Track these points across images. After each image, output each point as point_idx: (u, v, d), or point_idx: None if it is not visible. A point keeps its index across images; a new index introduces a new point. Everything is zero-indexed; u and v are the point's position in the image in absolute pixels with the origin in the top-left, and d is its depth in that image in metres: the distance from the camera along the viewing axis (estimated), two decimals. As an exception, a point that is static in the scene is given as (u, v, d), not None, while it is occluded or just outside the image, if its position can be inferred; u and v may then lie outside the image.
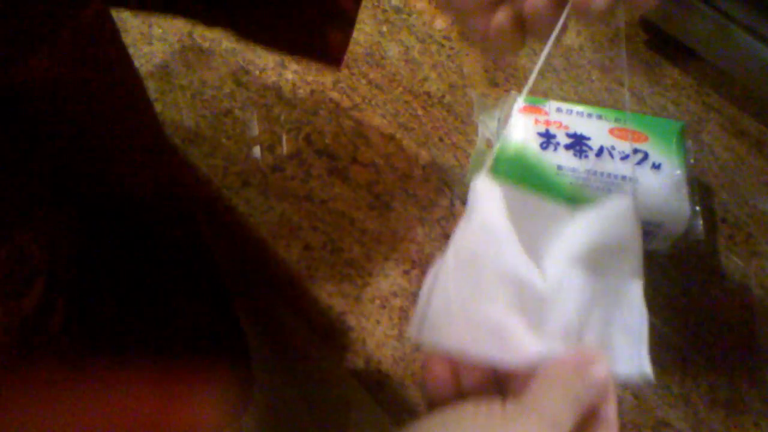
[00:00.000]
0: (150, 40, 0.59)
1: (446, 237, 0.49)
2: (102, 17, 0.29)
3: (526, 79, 0.59)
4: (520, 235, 0.32)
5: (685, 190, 0.46)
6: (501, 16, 0.34)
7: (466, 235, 0.32)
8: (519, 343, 0.30)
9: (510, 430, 0.26)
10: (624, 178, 0.46)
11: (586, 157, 0.46)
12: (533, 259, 0.32)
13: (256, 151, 0.53)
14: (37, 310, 0.26)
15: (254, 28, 0.44)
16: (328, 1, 0.41)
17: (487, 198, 0.32)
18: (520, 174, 0.46)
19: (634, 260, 0.32)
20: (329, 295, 0.47)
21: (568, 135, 0.47)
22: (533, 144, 0.47)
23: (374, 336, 0.46)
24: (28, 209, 0.26)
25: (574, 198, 0.45)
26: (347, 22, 0.42)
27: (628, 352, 0.31)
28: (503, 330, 0.30)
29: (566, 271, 0.32)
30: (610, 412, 0.28)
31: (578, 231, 0.33)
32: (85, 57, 0.27)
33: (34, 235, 0.26)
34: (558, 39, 0.33)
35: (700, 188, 0.50)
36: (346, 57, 0.58)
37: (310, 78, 0.58)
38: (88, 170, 0.30)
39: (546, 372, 0.28)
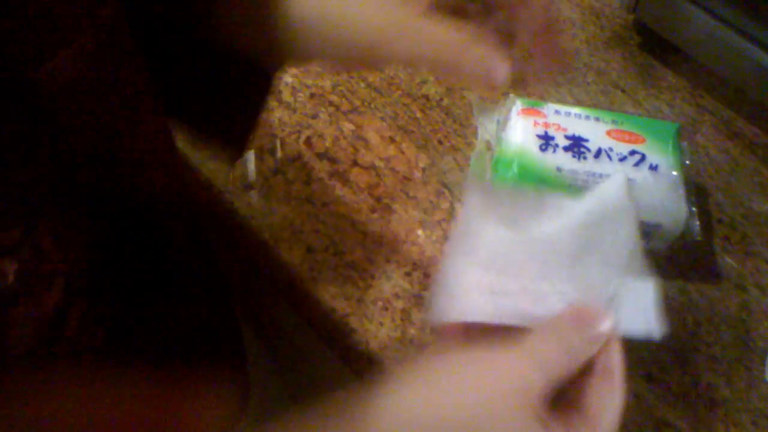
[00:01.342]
0: (148, 45, 0.59)
1: (447, 239, 0.50)
2: (119, 17, 0.29)
3: (523, 82, 0.60)
4: (514, 215, 0.34)
5: (682, 191, 0.47)
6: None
7: (460, 223, 0.34)
8: (514, 302, 0.32)
9: (497, 363, 0.28)
10: (622, 179, 0.46)
11: (585, 158, 0.47)
12: (527, 230, 0.34)
13: (250, 156, 0.54)
14: (57, 309, 0.26)
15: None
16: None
17: (481, 192, 0.34)
18: (520, 176, 0.46)
19: (631, 227, 0.34)
20: (332, 297, 0.48)
21: (567, 137, 0.48)
22: (532, 146, 0.47)
23: (377, 338, 0.46)
24: (45, 210, 0.26)
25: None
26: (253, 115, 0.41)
27: (637, 312, 0.33)
28: (499, 292, 0.32)
29: (565, 236, 0.34)
30: (613, 362, 0.30)
31: (576, 206, 0.35)
32: (103, 57, 0.27)
33: (51, 236, 0.26)
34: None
35: (696, 189, 0.51)
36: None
37: (309, 81, 0.58)
38: (103, 172, 0.30)
39: (545, 324, 0.30)
